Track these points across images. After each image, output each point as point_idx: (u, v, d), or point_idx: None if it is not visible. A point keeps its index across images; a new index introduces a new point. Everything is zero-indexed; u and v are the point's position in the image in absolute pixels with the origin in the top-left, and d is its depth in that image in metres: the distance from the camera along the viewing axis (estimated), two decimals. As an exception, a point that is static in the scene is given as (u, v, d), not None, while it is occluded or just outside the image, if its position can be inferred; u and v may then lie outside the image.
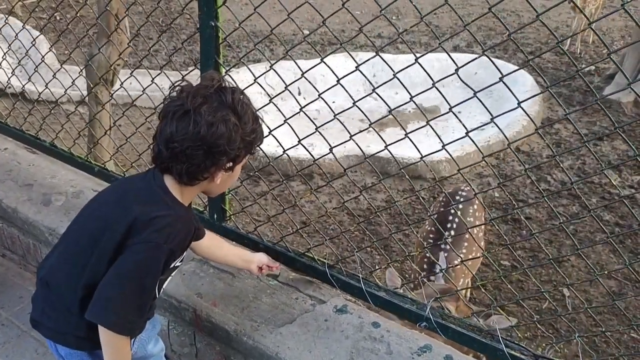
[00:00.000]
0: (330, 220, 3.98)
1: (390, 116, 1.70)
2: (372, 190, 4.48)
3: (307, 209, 4.22)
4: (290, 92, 1.79)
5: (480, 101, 1.43)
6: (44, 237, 2.36)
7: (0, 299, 2.47)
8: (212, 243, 1.71)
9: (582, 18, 6.59)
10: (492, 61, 1.44)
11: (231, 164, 1.35)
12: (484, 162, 1.62)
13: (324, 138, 1.75)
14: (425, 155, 1.61)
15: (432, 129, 1.55)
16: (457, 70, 1.42)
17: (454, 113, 1.44)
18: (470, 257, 2.92)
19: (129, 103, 2.40)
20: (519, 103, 1.36)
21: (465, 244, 3.00)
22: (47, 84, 2.56)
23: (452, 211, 2.99)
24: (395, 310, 1.76)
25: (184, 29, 7.86)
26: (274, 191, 4.38)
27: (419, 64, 1.49)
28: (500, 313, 1.99)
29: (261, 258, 1.79)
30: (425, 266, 2.93)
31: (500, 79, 1.34)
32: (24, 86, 3.00)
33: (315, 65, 1.75)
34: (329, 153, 1.77)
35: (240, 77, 1.89)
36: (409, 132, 1.58)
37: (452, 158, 1.71)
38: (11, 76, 2.75)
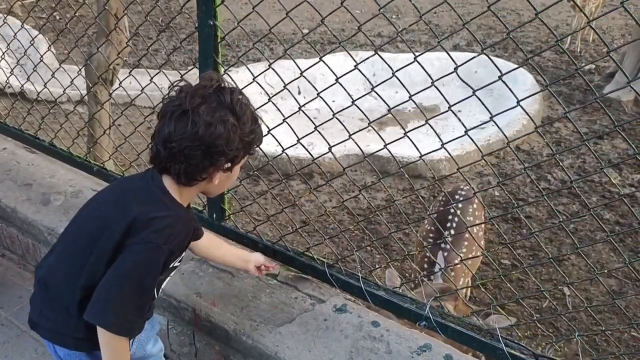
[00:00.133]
0: (330, 219, 3.98)
1: (390, 115, 1.69)
2: (372, 189, 4.48)
3: (307, 208, 4.22)
4: (289, 91, 1.79)
5: (480, 100, 1.43)
6: (43, 237, 2.35)
7: (0, 298, 2.47)
8: (210, 243, 1.70)
9: (582, 16, 6.59)
10: (490, 59, 1.43)
11: (229, 164, 1.35)
12: (484, 161, 1.61)
13: (323, 137, 1.75)
14: (424, 154, 1.61)
15: (432, 127, 1.55)
16: (456, 68, 1.42)
17: (453, 112, 1.43)
18: (470, 256, 2.91)
19: (128, 102, 2.40)
20: (518, 102, 1.36)
21: (465, 243, 2.99)
22: (45, 84, 2.56)
23: (452, 210, 2.98)
24: (395, 310, 1.76)
25: (184, 28, 7.85)
26: (274, 190, 4.38)
27: (418, 62, 1.49)
28: (498, 312, 1.98)
29: (258, 258, 1.78)
30: (425, 265, 2.93)
31: (500, 78, 1.33)
32: (22, 86, 2.99)
33: (314, 64, 1.75)
34: (327, 152, 1.76)
35: (239, 77, 1.88)
36: (408, 131, 1.57)
37: (452, 157, 1.71)
38: (10, 76, 2.75)
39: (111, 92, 3.27)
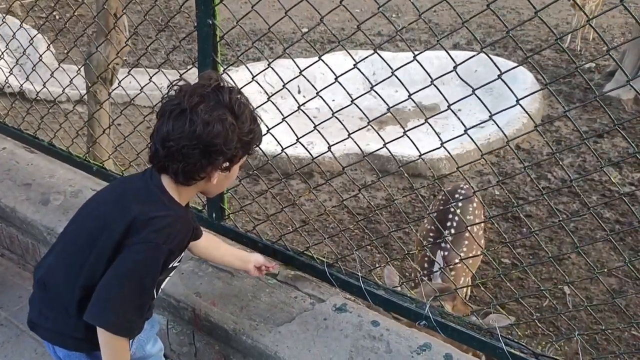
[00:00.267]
0: (329, 218, 3.98)
1: (390, 114, 1.69)
2: (372, 188, 4.47)
3: (307, 208, 4.22)
4: (288, 90, 1.79)
5: (479, 98, 1.42)
6: (42, 237, 2.35)
7: (-1, 298, 2.48)
8: (209, 243, 1.70)
9: (582, 15, 6.58)
10: (490, 58, 1.43)
11: (228, 163, 1.35)
12: (483, 160, 1.61)
13: (323, 136, 1.75)
14: (424, 153, 1.61)
15: (431, 126, 1.55)
16: (455, 67, 1.42)
17: (452, 111, 1.43)
18: (470, 255, 2.91)
19: (128, 102, 2.40)
20: (517, 100, 1.35)
21: (465, 242, 2.99)
22: (45, 83, 2.56)
23: (452, 209, 2.98)
24: (395, 309, 1.76)
25: (183, 27, 7.85)
26: (273, 190, 4.38)
27: (417, 61, 1.48)
28: (498, 311, 1.98)
29: (257, 258, 1.78)
30: (425, 265, 2.93)
31: (499, 76, 1.33)
32: (22, 85, 2.99)
33: (314, 64, 1.75)
34: (327, 151, 1.76)
35: (239, 76, 1.88)
36: (408, 130, 1.57)
37: (451, 156, 1.71)
38: (9, 75, 2.75)
39: (110, 91, 3.27)
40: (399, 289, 1.84)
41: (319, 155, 1.86)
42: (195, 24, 1.80)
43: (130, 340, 1.41)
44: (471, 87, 1.39)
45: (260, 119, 1.41)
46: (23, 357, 2.19)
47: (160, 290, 1.46)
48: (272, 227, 3.65)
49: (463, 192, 3.25)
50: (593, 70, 6.38)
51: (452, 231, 3.00)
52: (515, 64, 1.44)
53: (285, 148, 1.86)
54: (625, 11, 1.26)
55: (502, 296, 3.36)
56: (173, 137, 1.26)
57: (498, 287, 3.48)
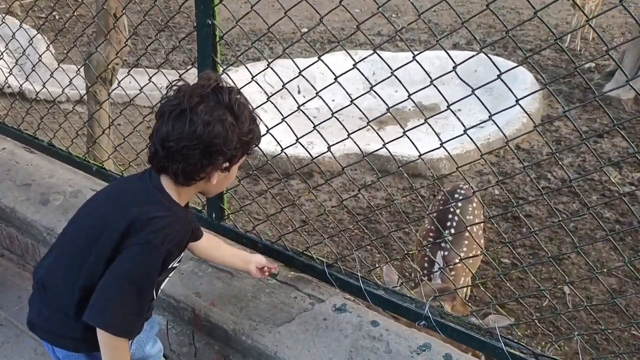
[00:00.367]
0: (329, 218, 3.97)
1: (390, 114, 1.69)
2: (372, 188, 4.47)
3: (307, 208, 4.22)
4: (288, 90, 1.79)
5: (479, 98, 1.42)
6: (42, 237, 2.35)
7: (-1, 298, 2.47)
8: (209, 244, 1.70)
9: (582, 15, 6.58)
10: (490, 58, 1.43)
11: (227, 164, 1.35)
12: (483, 160, 1.61)
13: (322, 137, 1.75)
14: (424, 153, 1.61)
15: (431, 126, 1.55)
16: (455, 67, 1.42)
17: (452, 111, 1.43)
18: (470, 255, 2.91)
19: (127, 102, 2.40)
20: (517, 100, 1.35)
21: (465, 242, 2.99)
22: (44, 84, 2.55)
23: (452, 209, 2.98)
24: (395, 309, 1.76)
25: (183, 27, 7.85)
26: (273, 190, 4.38)
27: (417, 61, 1.48)
28: (498, 311, 1.98)
29: (259, 259, 1.78)
30: (425, 265, 2.93)
31: (499, 76, 1.33)
32: (21, 85, 2.99)
33: (313, 64, 1.75)
34: (327, 151, 1.76)
35: (239, 76, 1.88)
36: (408, 130, 1.57)
37: (451, 156, 1.71)
38: (9, 76, 2.75)
39: (110, 91, 3.27)
40: (398, 288, 1.84)
41: (319, 155, 1.86)
42: (195, 24, 1.80)
43: (130, 341, 1.41)
44: (471, 87, 1.39)
45: (260, 119, 1.41)
46: (23, 357, 2.19)
47: (159, 290, 1.46)
48: (272, 227, 3.64)
49: (463, 192, 3.25)
50: (593, 70, 6.38)
51: (452, 231, 3.00)
52: (515, 64, 1.44)
53: (285, 148, 1.86)
54: (625, 11, 1.26)
55: (502, 296, 3.36)
56: (173, 137, 1.26)
57: (498, 287, 3.48)
